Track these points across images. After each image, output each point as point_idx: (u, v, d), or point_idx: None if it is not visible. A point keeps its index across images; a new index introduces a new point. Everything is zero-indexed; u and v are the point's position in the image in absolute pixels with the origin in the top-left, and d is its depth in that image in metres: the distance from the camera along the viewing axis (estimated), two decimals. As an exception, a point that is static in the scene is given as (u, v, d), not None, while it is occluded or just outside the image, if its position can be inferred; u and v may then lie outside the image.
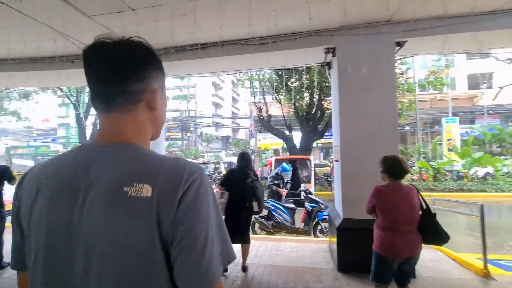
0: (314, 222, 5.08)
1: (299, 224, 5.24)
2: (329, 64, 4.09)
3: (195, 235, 0.52)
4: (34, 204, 0.56)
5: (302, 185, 8.81)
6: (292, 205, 5.27)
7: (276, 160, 9.59)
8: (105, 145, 0.59)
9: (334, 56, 3.70)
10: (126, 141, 0.60)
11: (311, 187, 8.84)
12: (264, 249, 4.29)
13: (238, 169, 3.67)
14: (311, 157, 9.19)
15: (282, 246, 4.41)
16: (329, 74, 4.14)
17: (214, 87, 42.18)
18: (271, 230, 5.11)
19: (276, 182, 5.73)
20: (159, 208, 0.51)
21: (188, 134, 28.44)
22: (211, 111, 38.71)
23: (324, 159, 27.28)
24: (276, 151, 19.13)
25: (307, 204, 5.13)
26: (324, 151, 29.83)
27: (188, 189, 0.53)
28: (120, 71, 0.59)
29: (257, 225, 5.22)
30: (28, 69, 4.44)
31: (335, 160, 3.97)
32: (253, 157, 17.71)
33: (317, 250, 4.20)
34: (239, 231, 3.41)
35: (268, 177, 6.28)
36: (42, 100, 25.47)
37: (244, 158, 3.73)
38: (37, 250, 0.55)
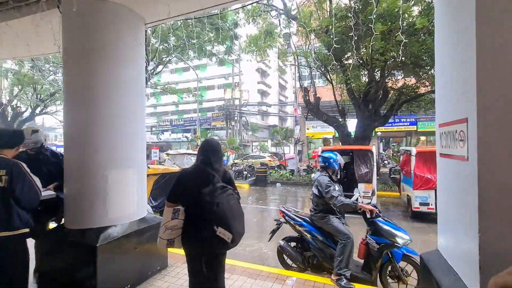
0: (383, 263, 2.98)
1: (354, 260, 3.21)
2: None
3: None
4: None
5: (360, 187, 6.70)
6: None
7: (323, 151, 7.57)
8: None
9: None
10: None
11: (372, 188, 6.64)
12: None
13: (195, 170, 2.14)
14: (373, 147, 6.93)
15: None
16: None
17: (260, 74, 40.61)
18: (304, 267, 3.33)
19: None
20: None
21: (233, 123, 27.60)
22: (257, 99, 37.38)
23: (384, 150, 23.66)
24: (326, 141, 16.77)
25: (370, 238, 2.98)
26: (383, 140, 26.01)
27: None
28: None
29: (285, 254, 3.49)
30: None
31: (440, 155, 2.02)
32: (299, 147, 15.73)
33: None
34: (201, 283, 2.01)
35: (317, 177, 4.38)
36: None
37: (207, 150, 2.17)
38: None
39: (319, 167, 3.41)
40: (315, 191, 3.18)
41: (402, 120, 22.07)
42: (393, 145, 24.87)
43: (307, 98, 11.63)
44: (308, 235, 3.19)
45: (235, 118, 27.76)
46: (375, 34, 8.05)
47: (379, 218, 2.92)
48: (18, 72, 20.14)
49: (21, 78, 19.03)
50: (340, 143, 11.68)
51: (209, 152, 2.13)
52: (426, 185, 5.79)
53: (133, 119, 2.94)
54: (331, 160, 3.21)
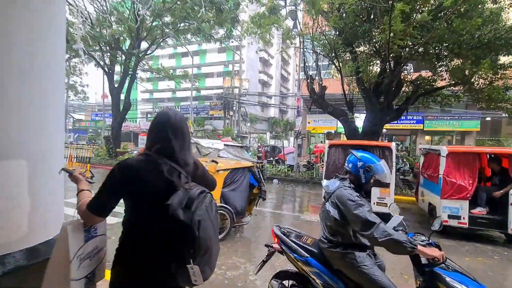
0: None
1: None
2: None
3: None
4: None
5: (373, 191, 5.57)
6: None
7: (331, 146, 6.41)
8: None
9: None
10: None
11: (390, 194, 5.51)
12: None
13: (144, 165, 1.22)
14: (393, 144, 5.76)
15: None
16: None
17: (262, 63, 39.09)
18: None
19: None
20: None
21: (231, 113, 26.32)
22: (257, 89, 35.98)
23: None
24: (330, 135, 15.65)
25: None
26: (386, 138, 24.87)
27: None
28: None
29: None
30: None
31: None
32: (299, 141, 14.58)
33: None
34: None
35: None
36: (92, 73, 25.95)
37: (165, 129, 1.27)
38: None
39: (339, 175, 2.16)
40: (332, 211, 1.96)
41: (408, 117, 20.81)
42: (397, 144, 23.78)
43: (312, 87, 10.41)
44: (318, 281, 2.04)
45: (234, 108, 26.49)
46: (395, 13, 6.82)
47: (443, 266, 1.78)
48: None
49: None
50: (346, 138, 10.55)
51: (169, 133, 1.25)
52: (458, 194, 4.68)
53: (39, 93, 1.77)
54: (369, 166, 1.98)
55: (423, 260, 1.80)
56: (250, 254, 4.20)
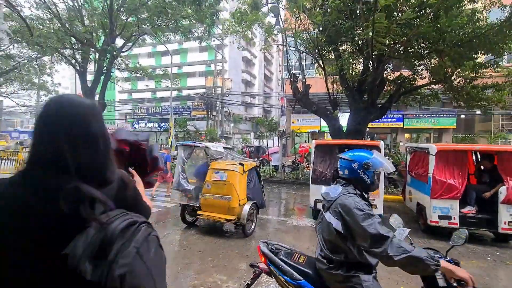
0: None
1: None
2: None
3: None
4: None
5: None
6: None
7: (318, 146, 6.15)
8: None
9: None
10: None
11: (379, 195, 5.32)
12: None
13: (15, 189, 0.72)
14: (381, 143, 5.58)
15: None
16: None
17: (245, 63, 38.72)
18: None
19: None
20: None
21: (214, 113, 25.73)
22: (241, 89, 35.57)
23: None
24: (314, 135, 15.55)
25: None
26: (368, 136, 25.29)
27: None
28: None
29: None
30: None
31: None
32: (284, 141, 14.33)
33: None
34: None
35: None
36: (64, 72, 24.51)
37: (56, 129, 0.75)
38: None
39: (337, 178, 1.83)
40: (334, 222, 1.60)
41: (389, 116, 21.22)
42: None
43: (296, 85, 10.18)
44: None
45: (217, 108, 25.92)
46: (378, 10, 6.70)
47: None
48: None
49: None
50: (330, 137, 10.41)
51: (65, 134, 0.76)
52: (448, 193, 4.55)
53: None
54: (366, 163, 1.69)
55: (441, 283, 1.50)
56: (232, 270, 3.81)
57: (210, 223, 5.71)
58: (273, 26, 10.24)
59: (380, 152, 5.52)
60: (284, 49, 10.88)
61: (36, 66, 20.92)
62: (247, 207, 4.97)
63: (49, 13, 12.65)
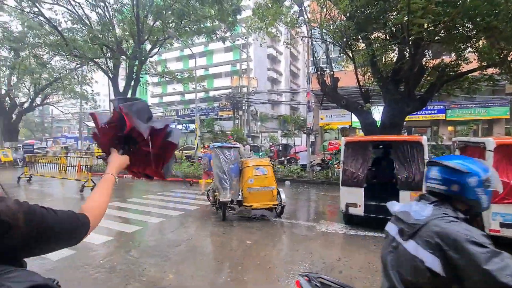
0: None
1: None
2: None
3: None
4: None
5: (402, 195, 4.72)
6: None
7: (348, 144, 5.58)
8: None
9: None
10: None
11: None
12: None
13: None
14: (424, 139, 4.84)
15: None
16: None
17: (270, 60, 38.24)
18: None
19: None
20: None
21: (240, 113, 25.67)
22: (267, 87, 35.21)
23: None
24: (345, 131, 14.71)
25: None
26: (405, 131, 23.39)
27: None
28: None
29: None
30: None
31: None
32: (312, 138, 13.71)
33: None
34: None
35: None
36: (103, 81, 26.12)
37: None
38: None
39: (427, 195, 1.17)
40: (427, 258, 1.03)
41: (429, 107, 19.31)
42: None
43: (323, 79, 9.57)
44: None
45: (243, 107, 25.84)
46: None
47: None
48: (14, 59, 18.97)
49: (16, 65, 17.85)
50: (363, 133, 9.63)
51: None
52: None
53: None
54: (487, 178, 1.09)
55: None
56: (260, 279, 3.49)
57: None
58: (297, 17, 9.73)
59: (423, 148, 4.81)
60: (310, 41, 10.27)
61: (76, 77, 22.51)
62: (282, 193, 6.14)
63: (83, 26, 13.41)
